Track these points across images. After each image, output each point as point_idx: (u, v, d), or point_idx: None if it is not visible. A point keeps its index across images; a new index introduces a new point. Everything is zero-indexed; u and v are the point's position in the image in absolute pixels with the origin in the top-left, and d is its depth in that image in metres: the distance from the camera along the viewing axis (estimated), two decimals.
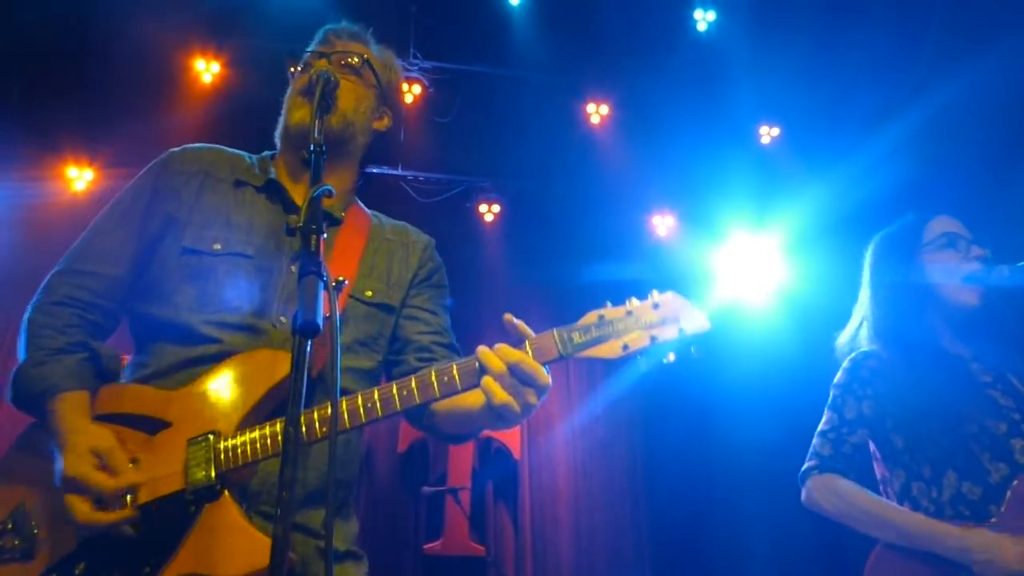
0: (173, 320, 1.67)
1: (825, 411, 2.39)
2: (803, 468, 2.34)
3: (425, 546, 5.68)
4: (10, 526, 1.53)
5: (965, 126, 5.10)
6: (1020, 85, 4.72)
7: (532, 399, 1.47)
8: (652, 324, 1.50)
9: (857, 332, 2.49)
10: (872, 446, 2.35)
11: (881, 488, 2.33)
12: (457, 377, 1.50)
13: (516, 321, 1.52)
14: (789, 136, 6.64)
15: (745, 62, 6.12)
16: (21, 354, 1.65)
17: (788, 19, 5.92)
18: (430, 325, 1.89)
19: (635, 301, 1.53)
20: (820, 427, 2.37)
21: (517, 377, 1.45)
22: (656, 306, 1.52)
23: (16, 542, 1.51)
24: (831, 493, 2.23)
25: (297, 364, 1.18)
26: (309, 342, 1.19)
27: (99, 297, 1.71)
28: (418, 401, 1.51)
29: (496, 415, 1.51)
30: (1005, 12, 4.88)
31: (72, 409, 1.56)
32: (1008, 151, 5.00)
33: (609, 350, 1.50)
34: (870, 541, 2.22)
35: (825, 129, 6.17)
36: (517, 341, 1.51)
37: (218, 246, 1.73)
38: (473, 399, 1.56)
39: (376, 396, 1.51)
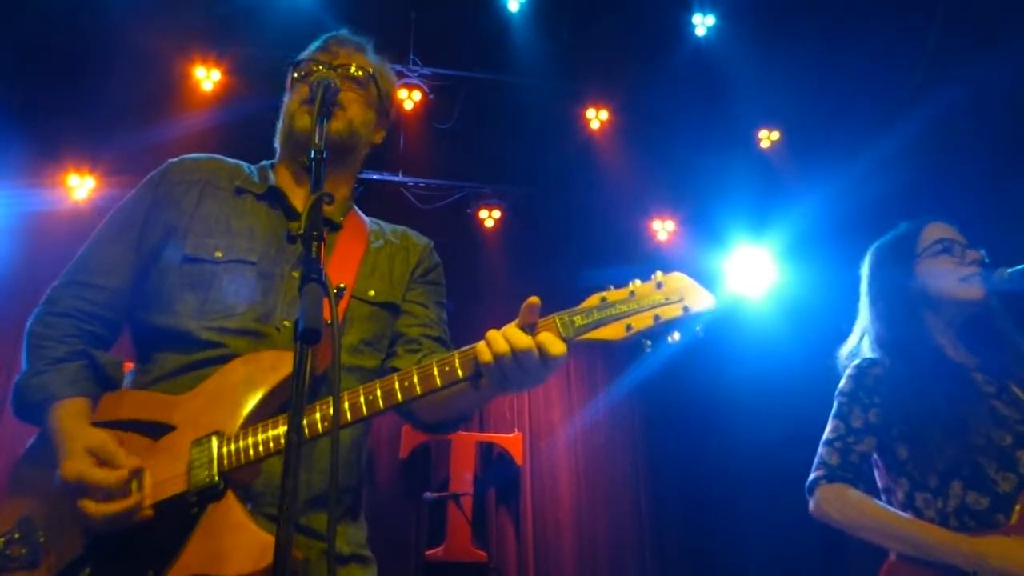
0: (175, 327, 1.67)
1: (830, 420, 2.34)
2: (810, 478, 2.29)
3: (427, 552, 5.67)
4: (17, 535, 1.52)
5: (964, 131, 5.10)
6: (1019, 91, 4.72)
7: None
8: (656, 304, 1.46)
9: (859, 345, 2.46)
10: (875, 455, 2.32)
11: (884, 497, 2.30)
12: (459, 366, 1.48)
13: (535, 303, 1.50)
14: (789, 140, 6.65)
15: (744, 67, 6.12)
16: (24, 365, 1.66)
17: (787, 24, 5.94)
18: (419, 318, 1.88)
19: (638, 282, 1.49)
20: (826, 436, 2.33)
21: (518, 361, 1.44)
22: (660, 286, 1.48)
23: (23, 551, 1.51)
24: (842, 503, 2.19)
25: (298, 371, 1.18)
26: (310, 349, 1.19)
27: (100, 308, 1.72)
28: (419, 392, 1.47)
29: (495, 393, 1.53)
30: (1004, 19, 4.88)
31: (70, 415, 1.56)
32: (1007, 156, 5.00)
33: (612, 332, 1.46)
34: (871, 543, 2.20)
35: (825, 133, 6.17)
36: (527, 325, 1.48)
37: (220, 253, 1.73)
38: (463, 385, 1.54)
39: (378, 389, 1.49)
